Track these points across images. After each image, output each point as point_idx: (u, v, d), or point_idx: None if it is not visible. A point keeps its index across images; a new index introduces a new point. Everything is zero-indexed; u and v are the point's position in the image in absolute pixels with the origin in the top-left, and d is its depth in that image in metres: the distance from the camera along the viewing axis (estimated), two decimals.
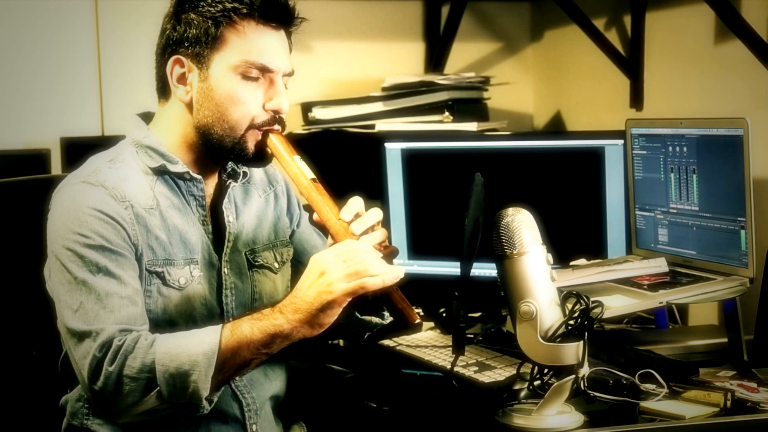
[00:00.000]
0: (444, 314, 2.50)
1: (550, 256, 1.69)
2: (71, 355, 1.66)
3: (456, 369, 1.91)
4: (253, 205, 1.90)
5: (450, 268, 2.42)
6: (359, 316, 1.85)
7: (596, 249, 2.28)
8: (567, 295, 1.67)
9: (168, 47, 1.76)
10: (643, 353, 2.00)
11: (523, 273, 1.67)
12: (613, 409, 1.75)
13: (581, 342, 1.65)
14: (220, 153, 1.78)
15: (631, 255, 2.25)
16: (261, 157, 1.79)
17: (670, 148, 2.14)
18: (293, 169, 1.78)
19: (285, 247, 1.94)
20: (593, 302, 1.64)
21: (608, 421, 1.71)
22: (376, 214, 1.74)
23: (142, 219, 1.72)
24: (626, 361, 1.93)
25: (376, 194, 2.53)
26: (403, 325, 1.71)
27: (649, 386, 1.80)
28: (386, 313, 1.91)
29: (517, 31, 3.32)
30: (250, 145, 1.77)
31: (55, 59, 2.92)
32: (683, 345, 2.15)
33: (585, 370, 1.67)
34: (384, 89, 2.97)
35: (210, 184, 1.84)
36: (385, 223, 2.50)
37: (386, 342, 2.29)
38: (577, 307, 1.65)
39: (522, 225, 1.68)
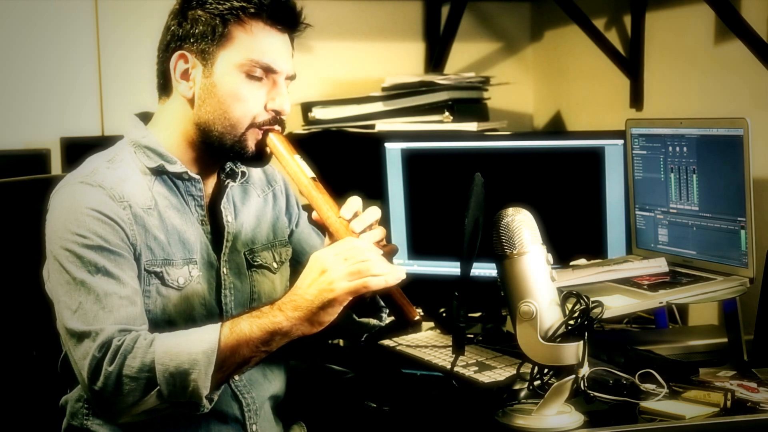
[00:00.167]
0: (444, 314, 2.50)
1: (550, 256, 1.69)
2: (71, 355, 1.66)
3: (456, 369, 1.91)
4: (251, 205, 1.90)
5: (450, 268, 2.42)
6: (356, 318, 1.85)
7: (596, 249, 2.28)
8: (567, 295, 1.67)
9: (172, 43, 1.77)
10: (643, 353, 2.00)
11: (523, 273, 1.67)
12: (613, 409, 1.75)
13: (581, 342, 1.65)
14: (219, 151, 1.78)
15: (631, 255, 2.24)
16: (260, 156, 1.79)
17: (670, 148, 2.14)
18: (293, 168, 1.78)
19: (284, 247, 1.94)
20: (593, 302, 1.64)
21: (608, 421, 1.71)
22: (375, 212, 1.74)
23: (140, 219, 1.72)
24: (626, 361, 1.93)
25: (376, 194, 2.53)
26: (403, 323, 1.71)
27: (649, 386, 1.80)
28: (384, 315, 1.91)
29: (517, 31, 3.32)
30: (250, 144, 1.78)
31: (55, 59, 2.92)
32: (683, 345, 2.15)
33: (585, 370, 1.67)
34: (384, 89, 2.97)
35: (209, 184, 1.84)
36: (385, 222, 2.51)
37: (386, 342, 2.29)
38: (577, 307, 1.65)
39: (522, 225, 1.68)
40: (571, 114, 3.15)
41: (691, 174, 2.09)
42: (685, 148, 2.10)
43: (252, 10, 1.73)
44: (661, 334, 2.27)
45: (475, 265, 1.75)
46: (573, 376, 1.66)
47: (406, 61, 3.22)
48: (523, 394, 1.79)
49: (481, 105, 3.01)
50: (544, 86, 3.29)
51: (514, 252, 1.67)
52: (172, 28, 1.77)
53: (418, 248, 2.53)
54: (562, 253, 2.09)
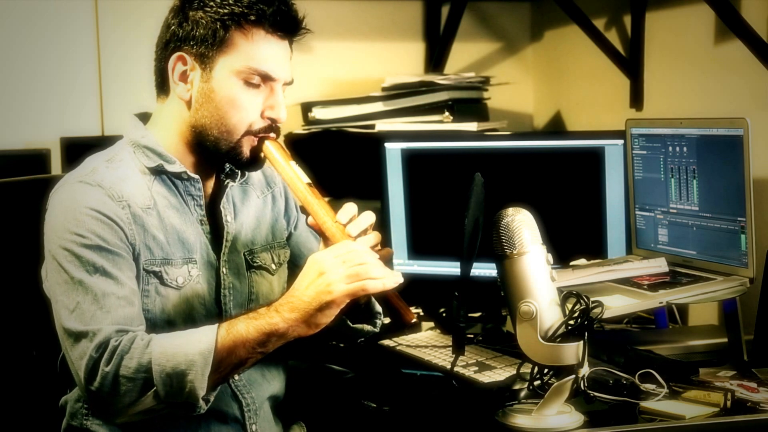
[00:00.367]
0: (444, 314, 2.50)
1: (550, 256, 1.69)
2: (68, 355, 1.66)
3: (456, 369, 1.91)
4: (251, 206, 1.90)
5: (450, 268, 2.42)
6: (351, 324, 1.85)
7: (596, 249, 2.28)
8: (567, 295, 1.67)
9: (171, 42, 1.76)
10: (643, 353, 2.00)
11: (523, 273, 1.67)
12: (613, 409, 1.75)
13: (581, 342, 1.65)
14: (214, 155, 1.78)
15: (631, 255, 2.24)
16: (254, 161, 1.80)
17: (670, 148, 2.14)
18: (289, 174, 1.78)
19: (282, 249, 1.94)
20: (593, 302, 1.64)
21: (608, 421, 1.71)
22: (370, 217, 1.73)
23: (139, 219, 1.72)
24: (626, 361, 1.93)
25: (376, 194, 2.53)
26: (400, 325, 1.71)
27: (649, 386, 1.80)
28: (378, 321, 1.91)
29: (517, 31, 3.32)
30: (245, 150, 1.77)
31: (55, 59, 2.92)
32: (683, 345, 2.15)
33: (585, 370, 1.67)
34: (384, 89, 2.97)
35: (208, 184, 1.84)
36: (385, 223, 2.52)
37: (386, 342, 2.29)
38: (577, 307, 1.65)
39: (522, 225, 1.68)
40: (571, 114, 3.15)
41: (691, 174, 2.09)
42: (685, 148, 2.10)
43: (253, 18, 1.72)
44: (661, 334, 2.27)
45: (475, 265, 1.75)
46: (573, 376, 1.66)
47: (406, 61, 3.22)
48: (523, 394, 1.79)
49: (481, 105, 3.01)
50: (544, 86, 3.29)
51: (514, 252, 1.67)
52: (173, 27, 1.76)
53: (418, 248, 2.53)
54: (562, 253, 2.09)
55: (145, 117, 1.84)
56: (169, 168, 1.77)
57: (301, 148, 2.88)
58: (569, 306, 1.66)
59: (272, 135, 1.79)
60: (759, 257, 1.96)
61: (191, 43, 1.74)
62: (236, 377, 1.77)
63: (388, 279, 1.64)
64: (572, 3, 2.80)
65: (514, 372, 1.89)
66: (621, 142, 2.25)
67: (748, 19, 2.29)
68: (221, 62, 1.74)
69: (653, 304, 1.96)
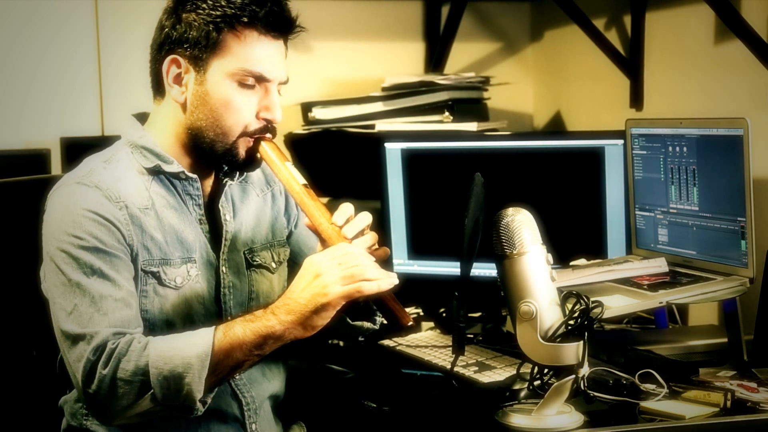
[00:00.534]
0: (444, 314, 2.50)
1: (550, 256, 1.69)
2: (65, 357, 1.66)
3: (456, 369, 1.91)
4: (251, 205, 1.90)
5: (450, 268, 2.42)
6: (350, 322, 1.85)
7: (596, 249, 2.28)
8: (567, 295, 1.67)
9: (165, 44, 1.75)
10: (643, 353, 2.00)
11: (523, 273, 1.67)
12: (613, 409, 1.75)
13: (581, 342, 1.65)
14: (210, 157, 1.78)
15: (631, 255, 2.24)
16: (251, 162, 1.80)
17: (670, 148, 2.14)
18: (285, 176, 1.78)
19: (282, 248, 1.94)
20: (593, 302, 1.64)
21: (608, 421, 1.71)
22: (366, 218, 1.73)
23: (136, 219, 1.72)
24: (626, 361, 1.93)
25: (376, 194, 2.53)
26: (396, 327, 1.71)
27: (649, 386, 1.80)
28: (378, 318, 1.91)
29: (517, 31, 3.32)
30: (241, 152, 1.77)
31: (55, 59, 2.92)
32: (683, 345, 2.15)
33: (585, 370, 1.67)
34: (384, 89, 2.97)
35: (207, 183, 1.84)
36: (385, 223, 2.52)
37: (386, 342, 2.29)
38: (577, 307, 1.65)
39: (522, 225, 1.68)
40: (571, 114, 3.15)
41: (691, 174, 2.09)
42: (685, 148, 2.10)
43: (245, 20, 1.72)
44: (661, 334, 2.27)
45: (475, 265, 1.75)
46: (573, 376, 1.66)
47: (406, 61, 3.22)
48: (523, 394, 1.79)
49: (481, 105, 3.01)
50: (544, 86, 3.29)
51: (514, 252, 1.67)
52: (166, 29, 1.75)
53: (418, 248, 2.53)
54: (562, 253, 2.09)
55: (142, 117, 1.84)
56: (167, 168, 1.77)
57: (301, 148, 2.88)
58: (569, 306, 1.66)
59: (268, 136, 1.79)
60: (759, 257, 1.96)
61: (184, 45, 1.73)
62: (237, 376, 1.77)
63: (384, 281, 1.64)
64: (572, 3, 2.80)
65: (514, 372, 1.89)
66: (621, 142, 2.25)
67: (748, 19, 2.29)
68: (215, 65, 1.73)
69: (653, 304, 1.96)
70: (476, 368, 2.03)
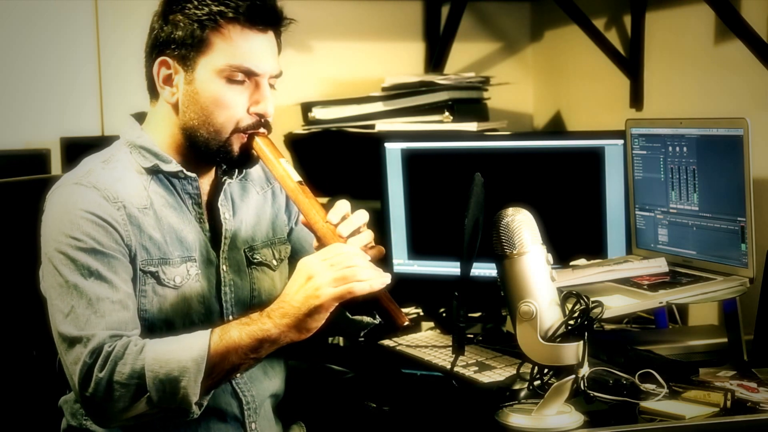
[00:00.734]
0: (444, 314, 2.50)
1: (550, 256, 1.69)
2: (62, 359, 1.66)
3: (456, 369, 1.91)
4: (251, 202, 1.90)
5: (450, 268, 2.42)
6: (350, 316, 1.85)
7: (596, 249, 2.28)
8: (567, 295, 1.67)
9: (155, 47, 1.76)
10: (643, 353, 2.00)
11: (523, 273, 1.67)
12: (613, 409, 1.75)
13: (581, 342, 1.65)
14: (206, 155, 1.78)
15: (631, 255, 2.24)
16: (246, 159, 1.79)
17: (670, 148, 2.14)
18: (279, 172, 1.77)
19: (283, 245, 1.94)
20: (593, 302, 1.64)
21: (608, 421, 1.71)
22: (363, 216, 1.73)
23: (135, 219, 1.72)
24: (626, 361, 1.93)
25: (376, 194, 2.53)
26: (391, 327, 1.71)
27: (649, 386, 1.80)
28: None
29: (517, 31, 3.32)
30: (235, 148, 1.77)
31: (55, 59, 2.92)
32: (683, 345, 2.15)
33: (585, 370, 1.67)
34: (384, 89, 2.97)
35: (206, 182, 1.84)
36: (385, 222, 2.52)
37: (386, 342, 2.29)
38: (577, 307, 1.65)
39: (522, 225, 1.68)
40: (571, 114, 3.15)
41: (691, 174, 2.09)
42: (685, 148, 2.10)
43: (230, 15, 1.71)
44: (661, 334, 2.27)
45: (475, 265, 1.75)
46: (573, 376, 1.66)
47: (406, 61, 3.22)
48: (523, 394, 1.79)
49: (481, 105, 3.01)
50: (544, 86, 3.29)
51: (514, 252, 1.67)
52: (156, 31, 1.76)
53: (417, 248, 2.53)
54: (562, 253, 2.09)
55: (141, 117, 1.85)
56: (165, 167, 1.77)
57: (301, 148, 2.88)
58: (569, 306, 1.66)
59: (262, 131, 1.79)
60: (759, 257, 1.96)
61: (172, 46, 1.74)
62: (237, 374, 1.77)
63: (375, 280, 1.63)
64: (572, 3, 2.80)
65: (514, 372, 1.89)
66: (621, 142, 2.25)
67: (748, 19, 2.29)
68: (202, 63, 1.73)
69: (653, 304, 1.96)
70: (476, 368, 2.03)
